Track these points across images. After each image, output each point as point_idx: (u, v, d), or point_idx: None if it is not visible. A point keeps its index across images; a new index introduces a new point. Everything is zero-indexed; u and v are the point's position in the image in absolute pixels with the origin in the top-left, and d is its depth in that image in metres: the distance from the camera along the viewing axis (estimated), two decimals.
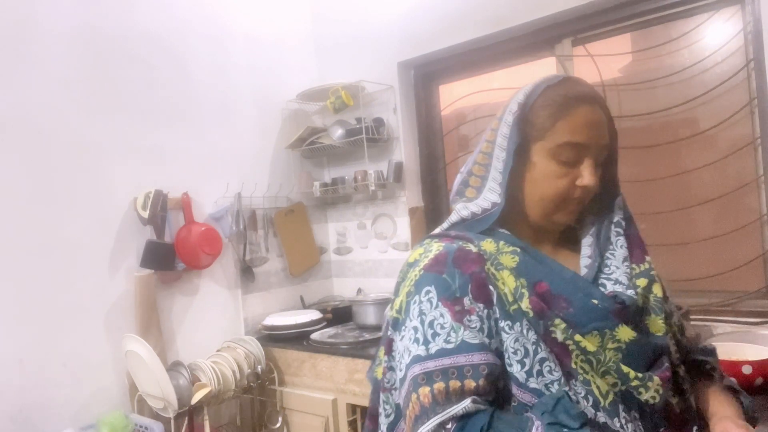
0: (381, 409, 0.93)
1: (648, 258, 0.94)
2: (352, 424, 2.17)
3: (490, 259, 0.87)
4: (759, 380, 1.47)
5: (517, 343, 0.82)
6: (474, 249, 0.88)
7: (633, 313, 0.86)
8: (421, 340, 0.82)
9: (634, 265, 0.92)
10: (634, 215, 0.99)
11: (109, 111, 2.14)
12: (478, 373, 0.78)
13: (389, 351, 0.92)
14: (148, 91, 2.27)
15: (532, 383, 0.80)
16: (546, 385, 0.80)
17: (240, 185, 2.55)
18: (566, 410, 0.76)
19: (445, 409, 0.76)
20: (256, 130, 2.71)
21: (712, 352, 1.03)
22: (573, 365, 0.80)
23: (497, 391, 0.81)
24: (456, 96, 2.75)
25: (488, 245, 0.88)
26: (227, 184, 2.51)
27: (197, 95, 2.45)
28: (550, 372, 0.81)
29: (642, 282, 0.90)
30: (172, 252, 2.22)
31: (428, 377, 0.79)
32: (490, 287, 0.84)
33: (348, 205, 2.96)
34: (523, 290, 0.83)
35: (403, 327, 0.86)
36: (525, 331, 0.82)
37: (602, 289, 0.87)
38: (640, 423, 0.83)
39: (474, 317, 0.82)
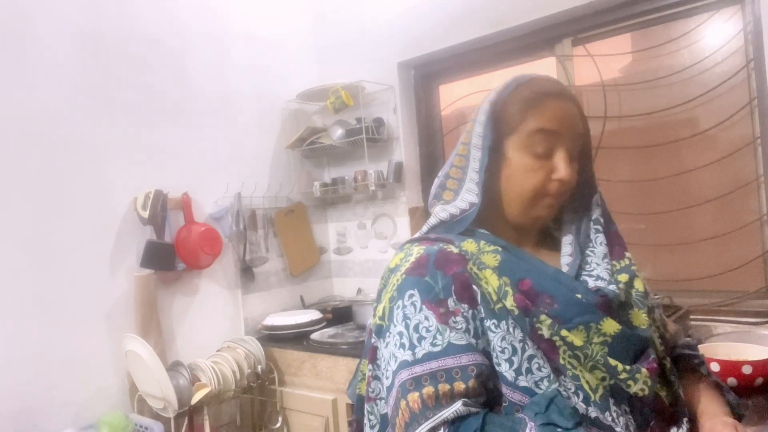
0: (366, 420, 0.91)
1: (628, 254, 0.95)
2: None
3: (472, 259, 0.86)
4: (759, 380, 1.47)
5: (504, 341, 0.81)
6: (455, 250, 0.88)
7: (616, 307, 0.86)
8: (407, 344, 0.81)
9: (614, 262, 0.93)
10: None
11: (109, 111, 2.14)
12: (467, 375, 0.78)
13: (373, 359, 0.90)
14: (149, 91, 2.27)
15: (522, 381, 0.80)
16: (536, 383, 0.80)
17: (240, 185, 2.55)
18: (559, 410, 0.76)
19: (435, 414, 0.75)
20: (256, 130, 2.71)
21: (695, 346, 1.04)
22: (561, 361, 0.80)
23: (487, 392, 0.81)
24: (456, 96, 2.75)
25: (469, 245, 0.88)
26: (227, 184, 2.51)
27: (197, 95, 2.45)
28: (539, 369, 0.80)
29: (623, 277, 0.90)
30: (172, 252, 2.22)
31: (416, 382, 0.78)
32: (474, 287, 0.84)
33: (348, 205, 2.96)
34: (507, 288, 0.83)
35: (388, 333, 0.85)
36: (511, 330, 0.82)
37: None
38: (630, 416, 0.83)
39: (459, 318, 0.82)
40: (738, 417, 0.94)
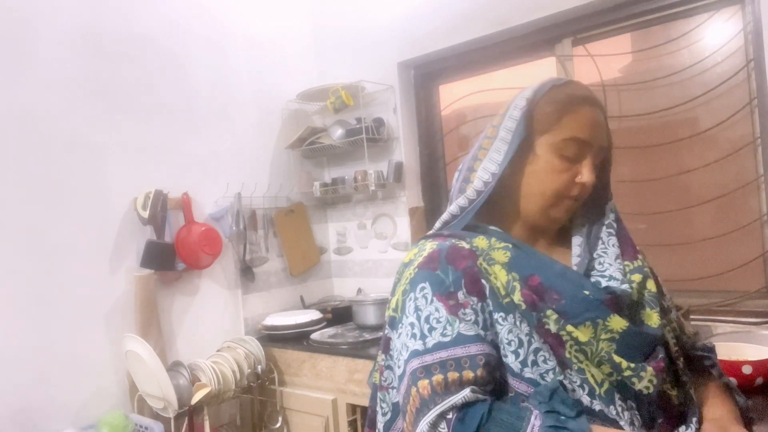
0: (378, 407, 0.94)
1: (640, 256, 0.97)
2: (352, 424, 2.17)
3: (482, 255, 0.89)
4: (759, 380, 1.47)
5: (511, 334, 0.84)
6: (466, 246, 0.90)
7: (627, 306, 0.88)
8: (418, 335, 0.84)
9: (627, 262, 0.95)
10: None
11: (109, 111, 2.14)
12: (476, 364, 0.80)
13: (386, 350, 0.93)
14: (149, 91, 2.27)
15: (527, 373, 0.82)
16: (541, 375, 0.82)
17: (240, 185, 2.55)
18: (562, 400, 0.78)
19: (444, 399, 0.78)
20: (256, 130, 2.71)
21: (711, 349, 1.05)
22: (567, 355, 0.82)
23: (495, 382, 0.83)
24: (456, 96, 2.75)
25: (480, 242, 0.91)
26: (227, 184, 2.51)
27: (197, 95, 2.45)
28: (544, 362, 0.83)
29: (636, 277, 0.92)
30: (172, 252, 2.22)
31: (427, 371, 0.81)
32: (483, 281, 0.87)
33: (348, 205, 2.96)
34: (515, 284, 0.85)
35: (400, 324, 0.89)
36: (518, 323, 0.84)
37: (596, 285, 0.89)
38: (636, 412, 0.84)
39: (468, 310, 0.84)
40: (748, 420, 0.95)
